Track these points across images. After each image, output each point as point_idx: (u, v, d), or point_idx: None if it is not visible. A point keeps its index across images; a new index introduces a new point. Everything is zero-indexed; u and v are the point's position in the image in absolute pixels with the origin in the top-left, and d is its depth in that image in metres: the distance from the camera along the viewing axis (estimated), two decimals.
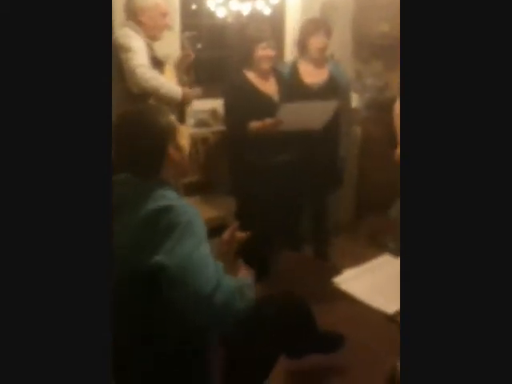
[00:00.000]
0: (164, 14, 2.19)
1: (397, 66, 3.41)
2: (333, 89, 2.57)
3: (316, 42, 2.51)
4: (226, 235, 1.48)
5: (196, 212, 1.17)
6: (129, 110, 1.29)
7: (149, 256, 1.07)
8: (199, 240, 1.11)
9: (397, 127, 2.46)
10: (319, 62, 2.59)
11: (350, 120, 2.86)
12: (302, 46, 2.58)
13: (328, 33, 2.54)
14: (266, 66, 2.31)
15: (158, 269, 1.06)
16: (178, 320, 1.13)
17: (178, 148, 1.26)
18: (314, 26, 2.52)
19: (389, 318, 1.34)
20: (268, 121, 2.19)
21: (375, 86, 3.48)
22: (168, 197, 1.15)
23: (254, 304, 1.19)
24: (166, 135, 1.22)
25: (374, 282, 1.40)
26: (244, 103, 2.27)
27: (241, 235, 1.51)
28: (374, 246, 2.98)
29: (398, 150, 2.43)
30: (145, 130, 1.21)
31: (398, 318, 1.32)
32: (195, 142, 2.79)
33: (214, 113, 2.98)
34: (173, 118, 1.27)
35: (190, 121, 2.86)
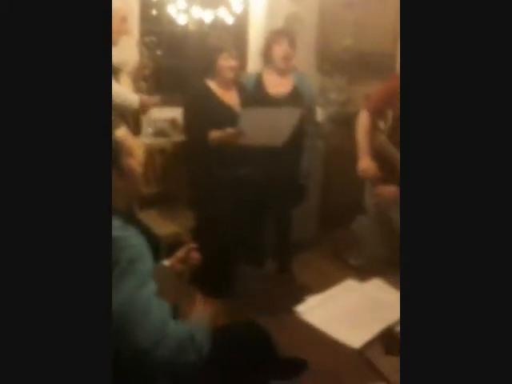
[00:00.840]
0: (123, 19, 2.08)
1: (360, 80, 3.43)
2: (297, 100, 2.53)
3: (280, 51, 2.48)
4: (180, 253, 1.39)
5: (142, 243, 1.05)
6: None
7: None
8: (142, 279, 1.00)
9: (360, 140, 2.42)
10: (283, 71, 2.55)
11: (314, 133, 2.83)
12: (266, 55, 2.55)
13: (292, 43, 2.52)
14: (228, 76, 2.25)
15: None
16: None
17: (123, 171, 1.12)
18: (278, 36, 2.50)
19: (356, 352, 1.27)
20: (229, 130, 2.12)
21: (338, 100, 3.47)
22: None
23: (207, 350, 1.08)
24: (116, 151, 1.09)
25: (338, 312, 1.33)
26: (205, 113, 2.19)
27: (196, 256, 1.41)
28: (337, 262, 2.93)
29: (362, 163, 2.37)
30: None
31: (366, 352, 1.26)
32: (153, 152, 2.67)
33: (173, 122, 2.86)
34: (119, 133, 1.14)
35: (148, 130, 2.74)
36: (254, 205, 2.52)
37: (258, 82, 2.54)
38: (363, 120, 2.40)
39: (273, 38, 2.51)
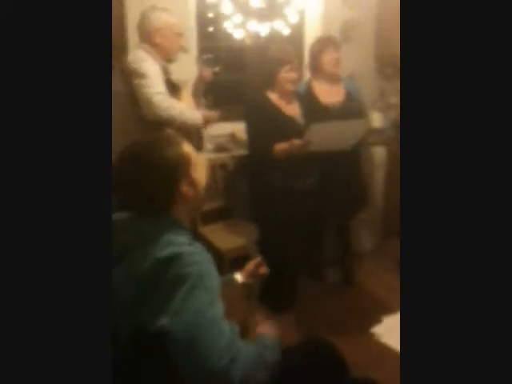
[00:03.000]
0: (178, 34, 2.12)
1: None
2: (351, 107, 2.49)
3: (328, 58, 2.47)
4: (249, 266, 1.37)
5: (208, 259, 1.03)
6: (134, 142, 1.13)
7: (153, 316, 0.93)
8: (211, 297, 0.97)
9: None
10: (333, 79, 2.53)
11: (372, 139, 2.75)
12: (314, 65, 2.53)
13: (337, 48, 2.50)
14: (289, 88, 2.22)
15: (163, 333, 0.92)
16: None
17: (192, 182, 1.12)
18: (323, 43, 2.49)
19: None
20: (296, 141, 2.09)
21: (398, 104, 3.34)
22: (177, 242, 1.01)
23: (279, 367, 1.05)
24: (177, 170, 1.07)
25: None
26: (268, 125, 2.17)
27: (264, 269, 1.39)
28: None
29: None
30: (151, 164, 1.05)
31: None
32: (214, 167, 2.70)
33: (232, 137, 2.89)
34: (187, 148, 1.13)
35: (209, 146, 2.78)
36: (318, 215, 2.48)
37: (310, 91, 2.52)
38: None
39: (317, 46, 2.51)
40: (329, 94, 2.51)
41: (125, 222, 1.05)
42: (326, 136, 2.11)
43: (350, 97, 2.54)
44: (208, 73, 2.32)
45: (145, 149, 1.08)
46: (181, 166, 1.08)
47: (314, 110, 2.41)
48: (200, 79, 2.34)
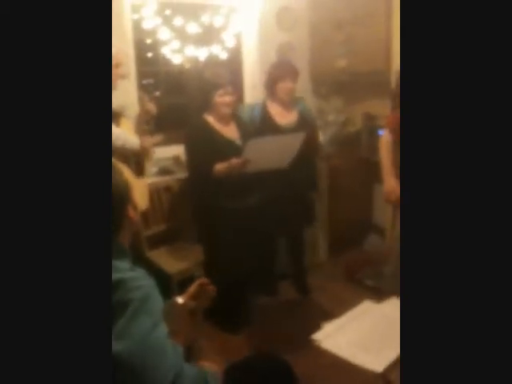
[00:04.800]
0: (115, 65, 2.13)
1: (357, 99, 3.47)
2: (304, 126, 2.57)
3: (283, 87, 2.53)
4: (192, 289, 1.39)
5: (152, 284, 1.05)
6: None
7: None
8: (155, 320, 0.98)
9: (383, 161, 2.35)
10: (287, 104, 2.61)
11: (318, 155, 2.87)
12: (270, 88, 2.60)
13: (295, 76, 2.57)
14: (224, 111, 2.28)
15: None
16: None
17: (135, 207, 1.15)
18: (281, 72, 2.54)
19: (379, 376, 1.25)
20: (234, 160, 2.13)
21: (337, 121, 3.50)
22: (119, 268, 1.02)
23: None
24: (125, 196, 1.10)
25: (357, 336, 1.31)
26: (206, 147, 2.22)
27: (210, 288, 1.41)
28: (351, 284, 2.90)
29: (386, 186, 2.28)
30: None
31: (390, 376, 1.23)
32: (158, 190, 2.70)
33: (176, 159, 2.91)
34: (127, 173, 1.16)
35: (153, 169, 2.79)
36: (262, 232, 2.53)
37: (265, 112, 2.59)
38: (385, 139, 2.32)
39: (276, 73, 2.56)
40: (283, 116, 2.59)
41: None
42: (264, 151, 2.16)
43: (303, 118, 2.63)
44: (152, 107, 2.33)
45: None
46: (127, 193, 1.11)
47: (269, 130, 2.48)
48: (144, 113, 2.35)
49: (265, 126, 2.53)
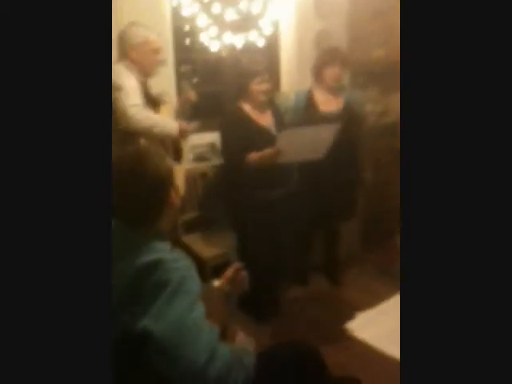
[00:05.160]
0: (155, 50, 2.16)
1: (394, 90, 3.39)
2: (348, 117, 2.52)
3: (331, 73, 2.50)
4: (228, 273, 1.41)
5: (189, 265, 1.07)
6: (124, 154, 1.15)
7: (135, 319, 0.97)
8: (191, 301, 1.01)
9: None
10: (334, 91, 2.57)
11: (365, 147, 2.77)
12: (317, 74, 2.57)
13: (344, 63, 2.52)
14: (261, 99, 2.27)
15: (145, 335, 0.95)
16: None
17: (177, 192, 1.17)
18: (330, 57, 2.51)
19: None
20: (267, 151, 2.13)
21: (375, 111, 3.43)
22: (158, 249, 1.05)
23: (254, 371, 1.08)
24: (167, 182, 1.12)
25: (390, 328, 1.30)
26: (241, 136, 2.22)
27: (244, 275, 1.42)
28: (383, 277, 2.87)
29: None
30: (146, 176, 1.07)
31: None
32: (194, 177, 2.73)
33: (212, 147, 2.93)
34: (170, 159, 1.19)
35: (189, 156, 2.82)
36: (295, 223, 2.52)
37: (309, 99, 2.56)
38: None
39: (324, 58, 2.53)
40: (328, 103, 2.56)
41: (114, 231, 1.09)
42: (297, 142, 2.14)
43: (349, 106, 2.58)
44: (192, 94, 2.36)
45: (136, 160, 1.10)
46: (170, 177, 1.13)
47: (311, 117, 2.46)
48: (184, 100, 2.37)
49: (307, 113, 2.50)
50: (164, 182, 1.12)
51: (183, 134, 2.22)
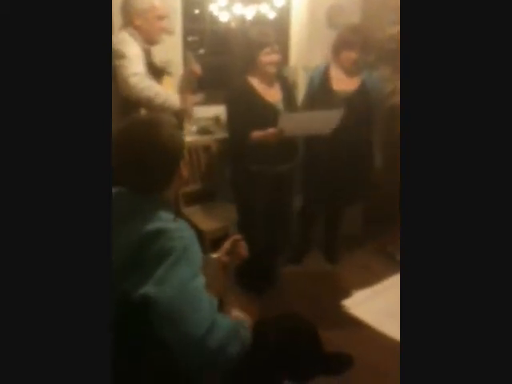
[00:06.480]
0: (160, 17, 2.12)
1: None
2: (363, 98, 2.47)
3: (347, 56, 2.43)
4: (226, 245, 1.41)
5: (192, 236, 1.07)
6: (137, 120, 1.15)
7: (137, 285, 0.97)
8: (194, 270, 1.01)
9: None
10: (351, 71, 2.50)
11: (381, 131, 2.69)
12: (335, 53, 2.50)
13: (364, 46, 2.43)
14: (270, 71, 2.23)
15: (146, 301, 0.96)
16: (168, 358, 1.01)
17: (186, 163, 1.17)
18: (350, 38, 2.41)
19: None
20: (270, 130, 2.12)
21: (385, 91, 3.37)
22: (163, 218, 1.05)
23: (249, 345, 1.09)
24: (179, 153, 1.12)
25: (386, 306, 1.31)
26: (246, 111, 2.20)
27: (243, 248, 1.43)
28: (382, 257, 2.88)
29: None
30: (160, 144, 1.07)
31: None
32: (197, 149, 2.72)
33: (217, 120, 2.91)
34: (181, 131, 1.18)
35: (193, 128, 2.80)
36: (294, 199, 2.52)
37: (325, 76, 2.51)
38: None
39: (345, 38, 2.43)
40: (344, 82, 2.49)
41: (120, 196, 1.09)
42: (299, 125, 2.14)
43: (365, 89, 2.50)
44: (197, 68, 2.31)
45: (152, 129, 1.09)
46: (182, 148, 1.13)
47: (323, 95, 2.43)
48: (189, 73, 2.33)
49: (320, 89, 2.46)
50: (177, 152, 1.11)
51: (185, 109, 2.18)
